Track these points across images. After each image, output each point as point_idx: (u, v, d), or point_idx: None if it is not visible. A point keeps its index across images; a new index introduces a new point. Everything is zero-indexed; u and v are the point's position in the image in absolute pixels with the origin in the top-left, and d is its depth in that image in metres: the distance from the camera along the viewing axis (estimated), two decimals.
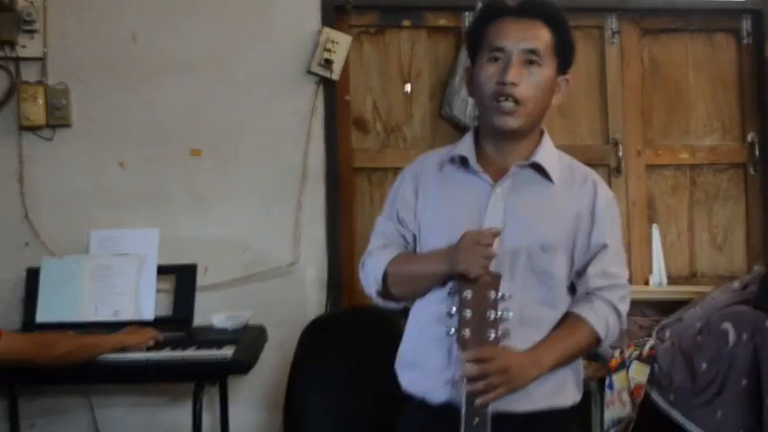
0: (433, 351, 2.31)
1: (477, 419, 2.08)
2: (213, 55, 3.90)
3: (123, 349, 3.10)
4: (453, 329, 2.10)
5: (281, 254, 3.89)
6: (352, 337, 3.37)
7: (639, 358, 3.37)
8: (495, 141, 2.39)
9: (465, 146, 2.44)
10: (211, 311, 3.59)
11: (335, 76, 3.92)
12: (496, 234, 2.19)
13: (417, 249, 2.45)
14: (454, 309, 2.11)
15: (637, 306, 3.81)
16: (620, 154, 4.18)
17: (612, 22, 4.24)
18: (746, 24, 4.33)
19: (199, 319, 3.60)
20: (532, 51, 2.30)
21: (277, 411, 3.56)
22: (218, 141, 3.89)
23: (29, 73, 3.78)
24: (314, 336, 3.43)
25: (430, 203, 2.43)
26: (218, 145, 3.89)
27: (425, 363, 2.34)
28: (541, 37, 2.32)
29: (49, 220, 3.78)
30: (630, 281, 4.02)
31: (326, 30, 3.91)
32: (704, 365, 3.17)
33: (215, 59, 3.89)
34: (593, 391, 3.47)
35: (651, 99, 4.29)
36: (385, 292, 2.43)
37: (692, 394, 3.17)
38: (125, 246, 3.66)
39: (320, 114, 3.95)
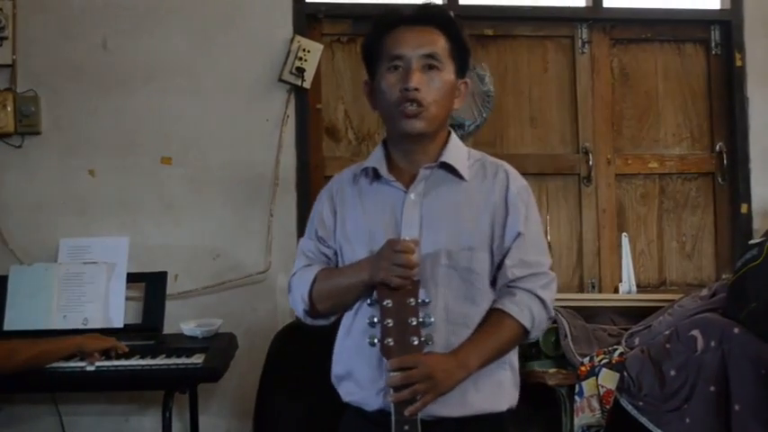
0: (363, 362, 2.31)
1: (407, 426, 2.09)
2: (184, 63, 3.89)
3: (81, 352, 3.07)
4: (377, 339, 2.11)
5: (251, 262, 3.88)
6: (323, 346, 3.36)
7: (609, 365, 3.38)
8: (403, 148, 2.42)
9: (375, 158, 2.46)
10: (181, 319, 3.58)
11: (307, 84, 3.92)
12: (415, 243, 2.19)
13: (340, 264, 2.46)
14: (376, 319, 2.11)
15: (606, 314, 3.84)
16: (591, 163, 4.21)
17: (583, 32, 4.27)
18: (715, 35, 4.37)
19: (169, 327, 3.59)
20: (431, 56, 2.33)
21: (247, 419, 3.54)
22: (189, 149, 3.88)
23: None
24: (284, 344, 3.43)
25: (348, 218, 2.44)
26: (189, 153, 3.88)
27: (358, 373, 2.35)
28: (438, 42, 2.35)
29: (18, 228, 3.77)
30: (600, 288, 4.11)
31: (298, 38, 3.92)
32: (673, 372, 3.18)
33: (186, 67, 3.89)
34: (563, 398, 3.48)
35: (621, 108, 4.33)
36: (312, 311, 2.44)
37: (660, 401, 3.18)
38: (94, 254, 3.65)
39: (292, 122, 3.95)
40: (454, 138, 2.47)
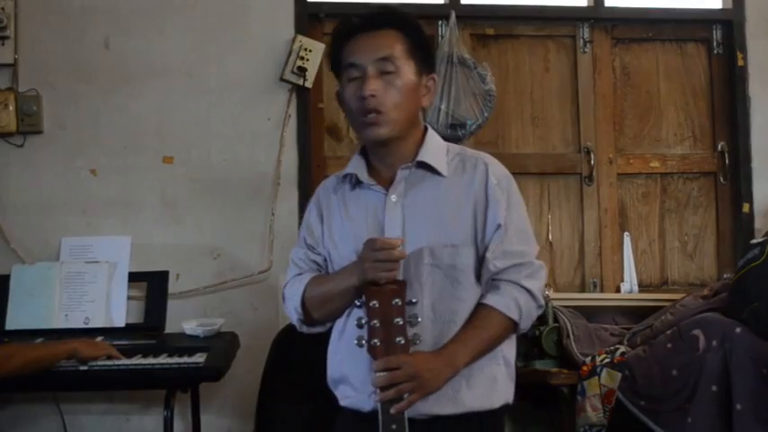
0: (355, 364, 2.32)
1: (394, 426, 2.10)
2: (186, 62, 3.90)
3: (76, 358, 3.05)
4: (364, 340, 2.13)
5: (253, 261, 3.88)
6: (324, 345, 3.36)
7: (611, 365, 3.38)
8: (378, 153, 2.42)
9: (354, 164, 2.47)
10: (183, 318, 3.58)
11: (309, 83, 3.92)
12: (400, 241, 2.20)
13: (329, 271, 2.47)
14: (363, 320, 2.13)
15: (608, 313, 3.84)
16: (592, 162, 4.21)
17: (585, 32, 4.27)
18: (717, 35, 4.37)
19: (170, 327, 3.60)
20: (385, 59, 2.32)
21: (249, 418, 3.54)
22: (191, 148, 3.89)
23: None
24: (286, 343, 3.42)
25: (334, 225, 2.46)
26: (191, 152, 3.89)
27: (351, 376, 2.36)
28: (392, 44, 2.34)
29: (20, 227, 3.77)
30: (602, 288, 4.11)
31: (300, 37, 3.92)
32: (675, 372, 3.18)
33: (188, 66, 3.90)
34: (565, 397, 3.48)
35: (623, 108, 4.33)
36: (307, 319, 2.45)
37: (662, 400, 3.18)
38: (96, 253, 3.66)
39: (293, 122, 3.95)
40: (431, 135, 2.46)
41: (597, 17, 4.28)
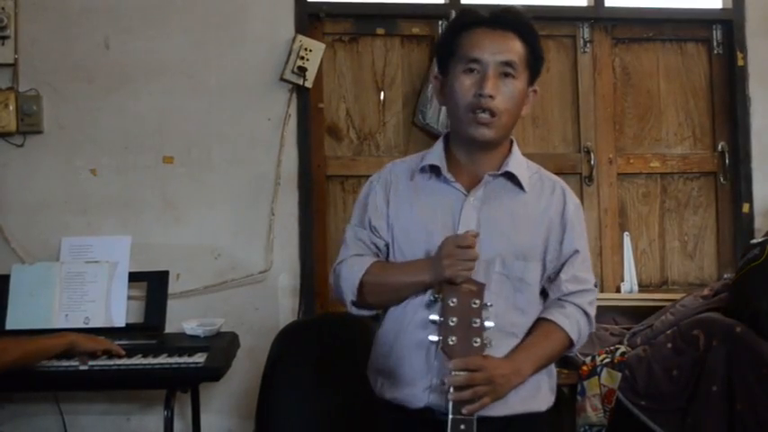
0: (411, 357, 2.32)
1: (462, 426, 2.10)
2: (186, 62, 3.89)
3: (74, 350, 3.04)
4: (437, 336, 2.11)
5: (253, 261, 3.88)
6: (325, 345, 3.36)
7: (611, 365, 3.39)
8: (468, 151, 2.41)
9: (436, 155, 2.45)
10: (183, 318, 3.58)
11: (309, 83, 3.92)
12: (475, 235, 2.21)
13: (391, 258, 2.45)
14: (436, 317, 2.12)
15: (608, 313, 3.84)
16: (592, 162, 4.21)
17: (585, 32, 4.27)
18: (717, 34, 4.36)
19: (171, 327, 3.59)
20: (508, 64, 2.32)
21: (249, 418, 3.54)
22: (191, 148, 3.88)
23: None
24: (286, 343, 3.42)
25: (403, 212, 2.43)
26: (191, 152, 3.88)
27: (403, 369, 2.35)
28: (516, 49, 2.34)
29: (20, 227, 3.76)
30: (602, 288, 4.11)
31: (300, 37, 3.91)
32: (675, 372, 3.18)
33: (188, 66, 3.89)
34: (565, 397, 3.48)
35: (623, 108, 4.32)
36: (360, 301, 2.42)
37: (662, 400, 3.18)
38: (96, 253, 3.65)
39: (293, 122, 3.94)
40: (516, 148, 2.48)
41: (597, 17, 4.27)
